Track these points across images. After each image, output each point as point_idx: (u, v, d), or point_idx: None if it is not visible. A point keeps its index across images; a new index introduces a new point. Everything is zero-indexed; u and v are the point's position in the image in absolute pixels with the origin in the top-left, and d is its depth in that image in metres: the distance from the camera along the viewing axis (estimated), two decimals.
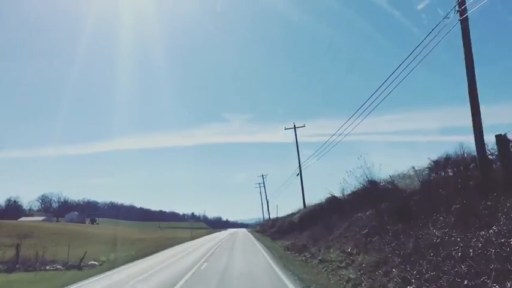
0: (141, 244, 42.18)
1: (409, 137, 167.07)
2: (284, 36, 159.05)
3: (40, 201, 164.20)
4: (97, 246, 36.46)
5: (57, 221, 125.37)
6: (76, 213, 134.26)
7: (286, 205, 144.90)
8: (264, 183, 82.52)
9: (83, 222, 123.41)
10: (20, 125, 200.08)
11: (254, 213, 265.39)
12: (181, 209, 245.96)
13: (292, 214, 50.53)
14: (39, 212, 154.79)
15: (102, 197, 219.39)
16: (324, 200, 26.23)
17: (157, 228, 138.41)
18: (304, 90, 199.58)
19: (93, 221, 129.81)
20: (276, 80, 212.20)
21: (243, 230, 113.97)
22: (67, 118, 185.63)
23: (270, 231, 52.06)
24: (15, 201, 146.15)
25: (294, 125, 38.08)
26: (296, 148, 37.69)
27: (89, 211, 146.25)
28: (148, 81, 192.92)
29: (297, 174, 38.09)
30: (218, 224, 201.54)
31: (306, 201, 38.02)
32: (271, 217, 79.24)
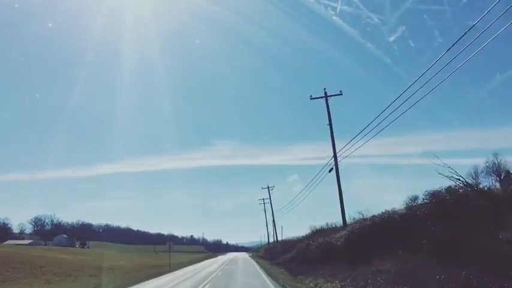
0: (100, 278, 27.47)
1: (393, 160, 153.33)
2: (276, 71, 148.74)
3: (33, 223, 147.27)
4: (25, 283, 21.89)
5: (45, 244, 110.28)
6: (64, 236, 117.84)
7: (290, 230, 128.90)
8: (270, 197, 67.59)
9: (72, 245, 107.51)
10: (17, 148, 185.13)
11: (254, 237, 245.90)
12: (180, 232, 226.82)
13: (307, 236, 35.74)
14: (30, 235, 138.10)
15: (98, 219, 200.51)
16: (424, 198, 11.94)
17: (152, 252, 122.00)
18: (296, 114, 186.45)
19: (83, 245, 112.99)
20: (272, 104, 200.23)
21: (244, 254, 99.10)
22: (65, 141, 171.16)
23: (283, 258, 36.74)
24: (4, 223, 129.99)
25: (325, 93, 23.35)
26: (329, 125, 23.07)
27: (81, 234, 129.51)
28: (148, 103, 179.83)
29: (330, 171, 23.34)
30: (218, 247, 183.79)
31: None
32: (278, 239, 63.93)
